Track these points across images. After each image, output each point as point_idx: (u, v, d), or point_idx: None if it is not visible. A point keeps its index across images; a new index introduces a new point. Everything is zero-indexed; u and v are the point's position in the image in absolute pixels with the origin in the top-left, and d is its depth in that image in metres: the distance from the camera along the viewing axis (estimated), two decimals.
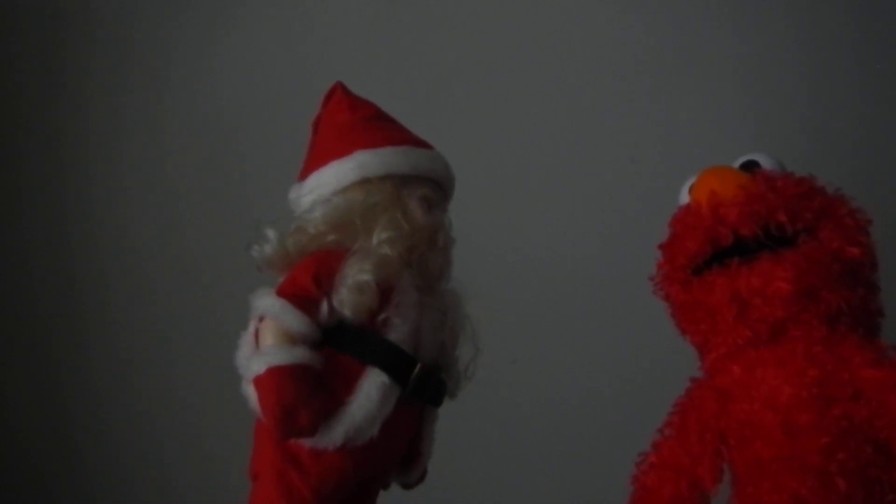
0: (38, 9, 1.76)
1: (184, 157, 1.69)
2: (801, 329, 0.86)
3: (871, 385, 0.82)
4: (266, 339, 0.86)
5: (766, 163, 0.94)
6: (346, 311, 0.87)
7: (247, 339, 0.90)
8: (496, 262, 1.41)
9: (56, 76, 1.75)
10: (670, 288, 0.94)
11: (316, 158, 0.96)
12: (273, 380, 0.83)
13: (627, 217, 1.40)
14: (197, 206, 1.67)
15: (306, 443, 0.86)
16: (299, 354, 0.84)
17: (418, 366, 0.89)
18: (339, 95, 0.99)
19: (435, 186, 0.96)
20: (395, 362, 0.88)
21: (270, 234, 0.92)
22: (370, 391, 0.86)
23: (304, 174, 0.96)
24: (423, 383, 0.89)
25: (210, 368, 1.58)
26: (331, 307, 0.87)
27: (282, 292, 0.86)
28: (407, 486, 0.97)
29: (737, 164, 0.95)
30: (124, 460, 1.66)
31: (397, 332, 0.88)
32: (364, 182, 0.92)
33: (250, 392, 0.86)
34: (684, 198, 0.96)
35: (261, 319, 0.87)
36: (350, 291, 0.86)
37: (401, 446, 0.93)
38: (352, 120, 0.96)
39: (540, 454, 1.43)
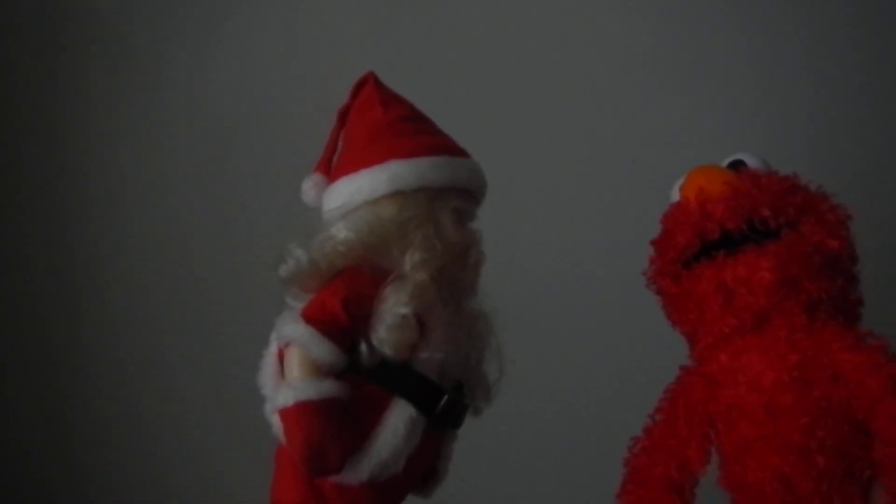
0: (37, 9, 1.76)
1: (183, 157, 1.69)
2: (783, 317, 0.90)
3: (849, 368, 0.86)
4: (293, 369, 0.83)
5: (751, 162, 0.98)
6: (387, 351, 0.84)
7: (269, 360, 0.88)
8: (495, 261, 1.41)
9: (54, 77, 1.75)
10: (662, 281, 0.98)
11: (346, 162, 0.92)
12: (301, 416, 0.81)
13: (629, 217, 1.38)
14: (197, 208, 1.68)
15: (331, 478, 0.84)
16: (327, 388, 0.82)
17: (445, 398, 0.87)
18: (371, 88, 0.94)
19: (468, 196, 0.92)
20: (423, 393, 0.85)
21: (299, 252, 0.87)
22: (397, 425, 0.84)
23: (334, 174, 0.92)
24: (449, 412, 0.88)
25: (209, 370, 1.61)
26: (370, 346, 0.84)
27: (309, 318, 0.83)
28: (424, 496, 0.95)
29: (724, 163, 0.99)
30: (123, 462, 1.66)
31: (428, 363, 0.86)
32: (396, 194, 0.88)
33: (275, 420, 0.84)
34: (675, 196, 1.00)
35: (286, 344, 0.84)
36: (389, 331, 0.84)
37: (422, 470, 0.91)
38: (385, 120, 0.91)
39: (540, 454, 1.45)
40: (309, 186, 0.94)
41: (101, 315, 1.71)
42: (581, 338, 1.45)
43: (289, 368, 0.84)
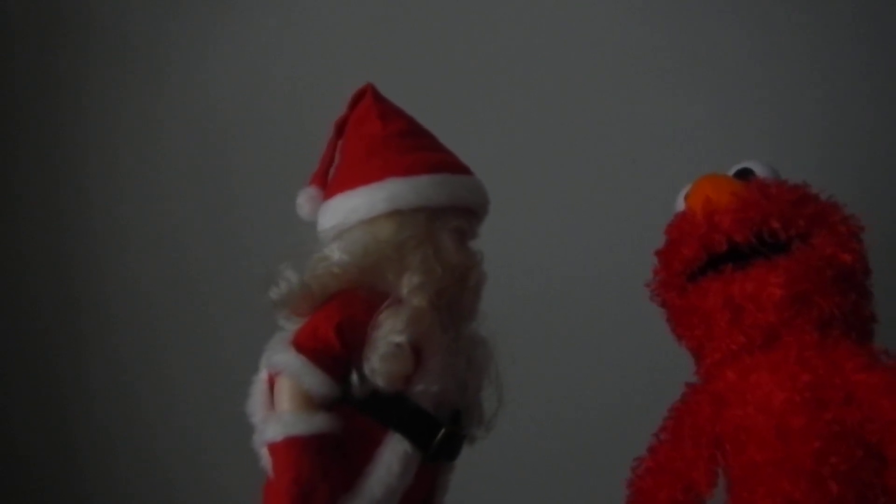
0: (35, 10, 1.75)
1: (183, 158, 1.68)
2: (793, 334, 0.87)
3: (862, 389, 0.83)
4: (283, 401, 0.80)
5: (760, 170, 0.95)
6: (379, 382, 0.80)
7: (259, 387, 0.85)
8: (495, 262, 1.40)
9: (53, 79, 1.74)
10: (666, 294, 0.95)
11: (343, 177, 0.89)
12: (290, 452, 0.78)
13: (630, 219, 1.39)
14: (197, 208, 1.66)
15: None
16: (318, 423, 0.79)
17: (442, 431, 0.83)
18: (370, 101, 0.91)
19: (469, 215, 0.89)
20: (420, 427, 0.82)
21: (290, 274, 0.84)
22: (391, 462, 0.80)
23: (330, 190, 0.89)
24: (445, 446, 0.84)
25: (209, 370, 1.58)
26: (361, 376, 0.81)
27: (301, 346, 0.80)
28: None
29: (731, 171, 0.97)
30: (122, 463, 1.65)
31: (425, 395, 0.82)
32: (394, 214, 0.84)
33: (263, 453, 0.82)
34: (680, 205, 0.97)
35: (277, 373, 0.81)
36: (382, 360, 0.80)
37: None
38: (383, 135, 0.88)
39: (539, 454, 1.43)
40: (304, 200, 0.91)
41: (101, 315, 1.71)
42: (580, 350, 1.43)
43: (279, 400, 0.81)
